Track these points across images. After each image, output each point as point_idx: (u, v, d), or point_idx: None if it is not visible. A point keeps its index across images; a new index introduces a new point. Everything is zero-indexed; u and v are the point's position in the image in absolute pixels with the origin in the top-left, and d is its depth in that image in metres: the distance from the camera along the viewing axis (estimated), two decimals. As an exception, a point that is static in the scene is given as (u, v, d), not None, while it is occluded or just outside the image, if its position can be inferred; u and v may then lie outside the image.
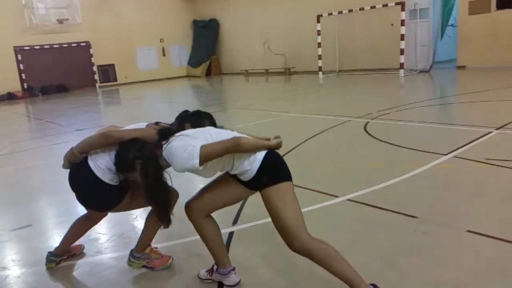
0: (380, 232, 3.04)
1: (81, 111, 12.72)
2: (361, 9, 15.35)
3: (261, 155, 2.18)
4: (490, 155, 4.46)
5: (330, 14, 16.29)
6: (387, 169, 4.44)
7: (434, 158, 4.54)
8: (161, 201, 2.28)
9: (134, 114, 11.83)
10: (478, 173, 4.10)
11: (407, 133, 6.12)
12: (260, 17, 21.40)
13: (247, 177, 2.21)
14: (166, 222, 2.34)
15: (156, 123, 2.51)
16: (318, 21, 16.51)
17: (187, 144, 2.08)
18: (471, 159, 4.41)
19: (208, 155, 2.06)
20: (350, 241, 2.89)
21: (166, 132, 2.29)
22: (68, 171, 2.56)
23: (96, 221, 2.93)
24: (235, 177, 2.30)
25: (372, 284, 2.11)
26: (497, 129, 5.55)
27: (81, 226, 2.90)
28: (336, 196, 3.70)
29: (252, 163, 2.16)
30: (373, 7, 15.00)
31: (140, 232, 2.78)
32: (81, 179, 2.47)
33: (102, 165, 2.38)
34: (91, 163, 2.40)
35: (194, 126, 2.38)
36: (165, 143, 2.19)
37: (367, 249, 2.80)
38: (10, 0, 19.40)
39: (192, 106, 12.12)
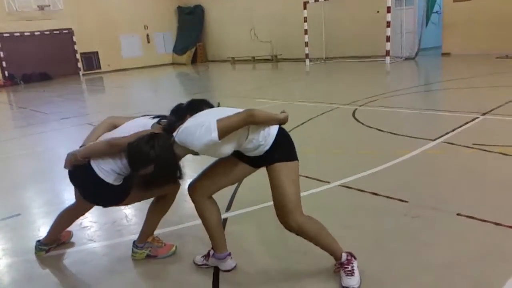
0: (372, 217, 3.08)
1: (65, 100, 12.50)
2: (348, -5, 15.33)
3: (274, 130, 2.21)
4: (477, 140, 4.54)
5: (316, 1, 16.23)
6: (377, 154, 4.49)
7: (423, 144, 4.60)
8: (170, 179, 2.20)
9: (119, 103, 11.68)
10: (466, 158, 4.17)
11: (395, 119, 6.18)
12: (246, 3, 21.20)
13: (258, 152, 2.22)
14: (177, 179, 2.21)
15: (158, 120, 2.42)
16: (305, 8, 16.44)
17: (202, 121, 2.07)
18: (459, 144, 4.48)
19: (225, 128, 2.04)
20: (343, 226, 2.92)
21: (171, 125, 2.27)
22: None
23: (85, 211, 2.88)
24: (237, 155, 2.31)
25: (349, 252, 2.30)
26: (482, 114, 5.64)
27: (69, 216, 2.86)
28: (328, 182, 3.73)
29: (266, 138, 2.18)
30: (359, -6, 15.00)
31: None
32: (84, 180, 2.44)
33: (106, 168, 2.34)
34: (94, 166, 2.35)
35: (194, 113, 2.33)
36: (174, 133, 2.15)
37: (359, 233, 2.84)
38: (-13, -15, 18.86)
39: (179, 94, 12.08)
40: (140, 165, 2.09)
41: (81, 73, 21.96)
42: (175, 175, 2.16)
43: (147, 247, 2.74)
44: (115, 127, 2.52)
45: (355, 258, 2.28)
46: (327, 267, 2.39)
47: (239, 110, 2.20)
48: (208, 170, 2.41)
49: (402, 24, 15.22)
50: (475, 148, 4.32)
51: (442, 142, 4.65)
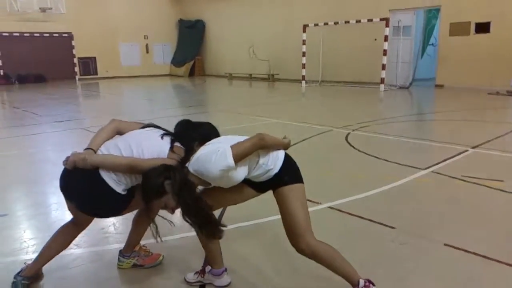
0: (359, 241, 3.11)
1: (59, 103, 12.47)
2: (347, 22, 15.63)
3: (282, 154, 2.26)
4: (466, 172, 4.62)
5: (316, 25, 16.52)
6: (367, 179, 4.54)
7: (413, 172, 4.67)
8: (203, 216, 2.13)
9: (113, 109, 11.68)
10: (455, 189, 4.24)
11: (387, 146, 6.27)
12: (247, 22, 21.49)
13: (267, 176, 2.23)
14: (218, 233, 2.18)
15: (171, 145, 2.34)
16: (304, 31, 16.72)
17: (216, 148, 2.10)
18: (448, 175, 4.55)
19: (239, 153, 2.08)
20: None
21: (185, 159, 2.27)
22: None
23: (85, 226, 2.58)
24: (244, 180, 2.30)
25: (368, 279, 2.23)
26: (472, 148, 5.75)
27: (69, 233, 2.54)
28: (318, 203, 3.76)
29: (275, 162, 2.22)
30: (358, 21, 15.30)
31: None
32: (89, 187, 2.26)
33: (115, 177, 2.25)
34: (104, 174, 2.23)
35: (203, 141, 2.31)
36: (187, 163, 2.17)
37: (345, 256, 2.83)
38: (-9, -16, 18.93)
39: (174, 105, 12.11)
40: (151, 194, 2.09)
41: (77, 77, 21.94)
42: (200, 206, 2.12)
43: (133, 256, 2.73)
44: (119, 132, 2.45)
45: (373, 285, 2.23)
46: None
47: (246, 137, 2.22)
48: (211, 189, 2.35)
49: (398, 54, 15.52)
50: (464, 180, 4.40)
51: (432, 171, 4.72)
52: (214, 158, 2.05)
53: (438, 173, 4.67)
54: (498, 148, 5.76)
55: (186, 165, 2.18)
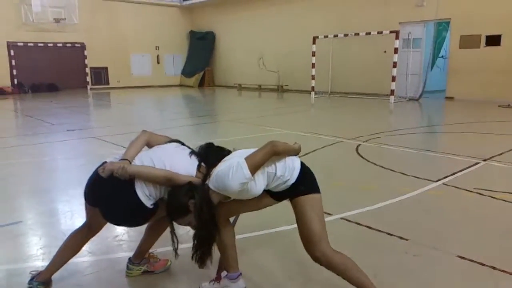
0: (372, 252, 3.11)
1: (71, 112, 12.64)
2: (356, 34, 15.71)
3: (298, 164, 2.31)
4: (478, 185, 4.59)
5: (326, 36, 16.62)
6: (379, 191, 4.54)
7: (424, 184, 4.66)
8: (207, 239, 2.26)
9: (124, 118, 11.80)
10: (467, 201, 4.22)
11: (398, 157, 6.26)
12: (257, 33, 21.68)
13: (284, 187, 2.29)
14: (203, 261, 2.29)
15: (198, 165, 2.42)
16: (314, 43, 16.82)
17: (231, 163, 2.17)
18: (460, 188, 4.53)
19: (254, 163, 2.14)
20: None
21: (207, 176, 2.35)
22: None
23: (96, 232, 2.63)
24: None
25: None
26: (484, 160, 5.72)
27: (80, 239, 2.61)
28: (330, 214, 3.77)
29: (292, 172, 2.27)
30: (368, 33, 15.37)
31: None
32: (119, 197, 2.34)
33: (147, 192, 2.32)
34: (138, 188, 2.31)
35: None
36: (207, 181, 2.25)
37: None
38: (7, -5, 19.34)
39: (185, 116, 12.20)
40: (177, 213, 2.22)
41: (89, 87, 22.22)
42: (213, 224, 2.24)
43: (143, 263, 2.78)
44: (148, 143, 2.53)
45: None
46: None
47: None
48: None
49: (408, 66, 15.54)
50: (476, 193, 4.37)
51: (443, 184, 4.71)
52: (231, 173, 2.12)
53: (450, 185, 4.65)
54: (511, 160, 5.72)
55: (206, 182, 2.25)
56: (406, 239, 3.26)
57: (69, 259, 2.61)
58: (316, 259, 2.25)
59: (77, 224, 3.60)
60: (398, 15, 15.68)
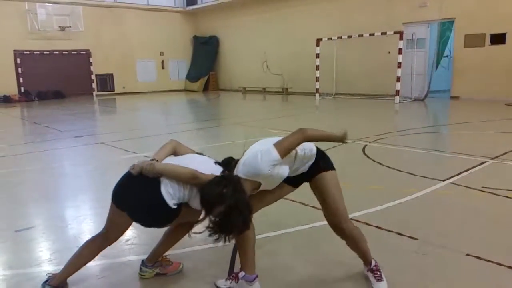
0: (381, 251, 3.11)
1: (78, 118, 12.74)
2: (360, 35, 15.73)
3: (314, 147, 2.47)
4: (486, 183, 4.59)
5: (329, 38, 16.65)
6: (387, 191, 4.55)
7: (432, 184, 4.66)
8: (242, 225, 2.23)
9: (131, 123, 11.88)
10: (476, 200, 4.21)
11: (404, 157, 6.26)
12: (260, 37, 21.75)
13: (303, 169, 2.43)
14: (222, 239, 2.23)
15: (223, 170, 2.50)
16: (318, 45, 16.86)
17: (258, 149, 2.26)
18: (468, 187, 4.54)
19: (283, 147, 2.22)
20: (352, 257, 2.94)
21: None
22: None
23: (113, 241, 2.65)
24: None
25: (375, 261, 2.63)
26: (491, 159, 5.71)
27: (97, 246, 2.63)
28: (338, 215, 3.78)
29: (310, 153, 2.43)
30: (372, 35, 15.38)
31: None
32: (145, 195, 2.40)
33: (171, 191, 2.38)
34: (162, 186, 2.38)
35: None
36: (235, 172, 2.32)
37: (369, 266, 2.87)
38: (13, 4, 19.55)
39: (190, 120, 12.26)
40: (215, 205, 2.16)
41: (94, 93, 22.38)
42: (248, 216, 2.22)
43: (157, 266, 2.83)
44: (175, 152, 2.61)
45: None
46: None
47: (278, 138, 2.32)
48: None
49: (413, 66, 15.52)
50: (484, 191, 4.37)
51: (451, 183, 4.71)
52: (260, 157, 2.20)
53: (457, 184, 4.65)
54: (518, 159, 5.72)
55: (235, 172, 2.31)
56: (415, 239, 3.27)
57: (84, 264, 2.65)
58: (341, 230, 2.50)
59: (88, 229, 3.69)
60: (402, 15, 15.69)
